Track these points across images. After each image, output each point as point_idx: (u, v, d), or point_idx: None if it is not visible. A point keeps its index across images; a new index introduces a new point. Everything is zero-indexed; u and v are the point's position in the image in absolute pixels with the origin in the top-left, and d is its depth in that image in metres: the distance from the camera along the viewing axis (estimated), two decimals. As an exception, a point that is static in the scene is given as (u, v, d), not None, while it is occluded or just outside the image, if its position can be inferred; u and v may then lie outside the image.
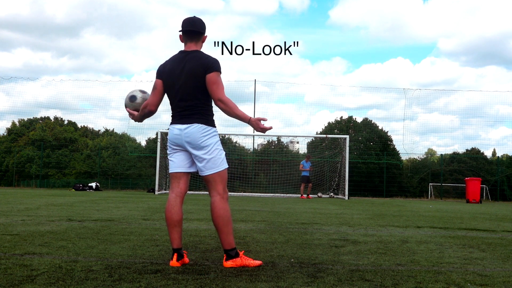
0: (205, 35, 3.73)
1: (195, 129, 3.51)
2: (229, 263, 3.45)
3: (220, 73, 3.56)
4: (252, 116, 3.58)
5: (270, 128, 3.59)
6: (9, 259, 3.53)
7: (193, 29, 3.62)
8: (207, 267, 3.43)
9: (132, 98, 3.90)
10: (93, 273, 3.10)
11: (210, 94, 3.52)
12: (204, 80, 3.49)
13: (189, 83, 3.52)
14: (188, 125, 3.53)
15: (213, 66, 3.50)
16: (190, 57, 3.58)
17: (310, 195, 19.35)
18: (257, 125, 3.55)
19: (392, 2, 72.74)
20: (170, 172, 3.69)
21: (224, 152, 3.66)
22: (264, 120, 3.58)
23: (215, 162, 3.54)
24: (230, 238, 3.50)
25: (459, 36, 68.42)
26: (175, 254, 3.48)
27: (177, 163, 3.63)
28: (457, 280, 3.23)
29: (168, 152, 3.72)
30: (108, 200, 12.78)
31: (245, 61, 75.46)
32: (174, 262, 3.45)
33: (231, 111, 3.51)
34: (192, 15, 3.69)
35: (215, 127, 3.64)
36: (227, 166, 3.63)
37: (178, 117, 3.61)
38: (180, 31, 3.64)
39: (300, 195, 18.98)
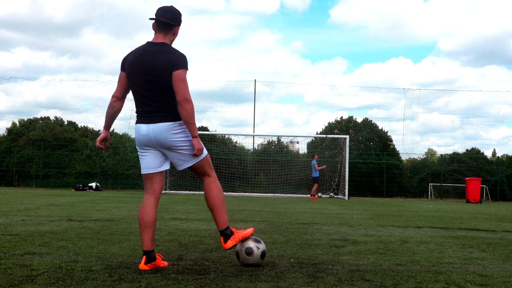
0: (178, 27, 3.48)
1: (162, 129, 3.33)
2: (229, 243, 3.47)
3: (187, 70, 3.33)
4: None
5: (200, 154, 3.42)
6: (9, 259, 3.54)
7: (163, 20, 3.39)
8: (207, 267, 3.44)
9: (248, 251, 3.50)
10: (93, 273, 3.10)
11: (176, 92, 3.27)
12: (169, 76, 3.27)
13: (153, 77, 3.30)
14: (154, 124, 3.33)
15: (180, 63, 3.29)
16: (155, 50, 3.34)
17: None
18: (196, 146, 3.38)
19: (393, 1, 72.76)
20: (142, 173, 3.53)
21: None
22: (200, 150, 3.40)
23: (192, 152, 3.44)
24: (226, 216, 3.54)
25: (460, 36, 68.36)
26: (144, 256, 3.32)
27: (148, 164, 3.47)
28: (457, 280, 3.23)
29: (138, 151, 3.53)
30: (108, 200, 12.78)
31: (245, 60, 75.49)
32: (142, 265, 3.28)
33: (191, 115, 3.31)
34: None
35: (181, 120, 3.40)
36: (207, 153, 3.52)
37: (142, 116, 3.40)
38: (151, 18, 3.42)
39: (316, 195, 19.09)
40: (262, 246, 3.53)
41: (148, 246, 3.35)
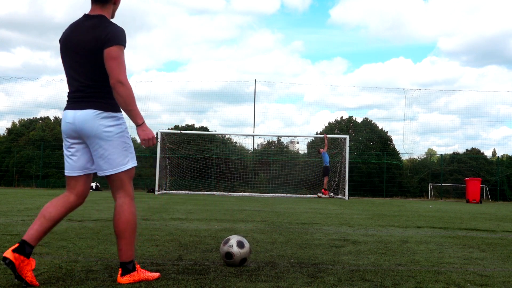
0: None
1: (90, 116, 2.79)
2: (125, 279, 2.84)
3: (124, 47, 2.80)
4: None
5: (151, 144, 2.90)
6: (9, 259, 3.53)
7: None
8: (207, 267, 3.44)
9: (228, 256, 3.46)
10: (93, 273, 3.10)
11: (108, 72, 2.74)
12: (100, 55, 2.75)
13: (83, 58, 2.80)
14: (82, 110, 2.81)
15: (114, 38, 2.74)
16: (89, 24, 2.82)
17: (320, 194, 19.39)
18: (142, 136, 2.86)
19: (393, 1, 72.74)
20: (65, 173, 2.99)
21: (132, 146, 2.96)
22: (149, 140, 2.87)
23: (119, 157, 2.85)
24: (132, 248, 2.90)
25: (460, 36, 68.35)
26: (17, 244, 2.79)
27: (73, 164, 2.94)
28: (457, 280, 3.23)
29: (63, 146, 2.98)
30: (108, 200, 12.77)
31: (245, 60, 75.44)
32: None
33: (129, 100, 2.77)
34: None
35: (119, 112, 2.89)
36: (136, 164, 2.94)
37: (71, 101, 2.89)
38: None
39: (319, 194, 19.25)
40: (233, 241, 3.49)
41: (29, 237, 2.78)
